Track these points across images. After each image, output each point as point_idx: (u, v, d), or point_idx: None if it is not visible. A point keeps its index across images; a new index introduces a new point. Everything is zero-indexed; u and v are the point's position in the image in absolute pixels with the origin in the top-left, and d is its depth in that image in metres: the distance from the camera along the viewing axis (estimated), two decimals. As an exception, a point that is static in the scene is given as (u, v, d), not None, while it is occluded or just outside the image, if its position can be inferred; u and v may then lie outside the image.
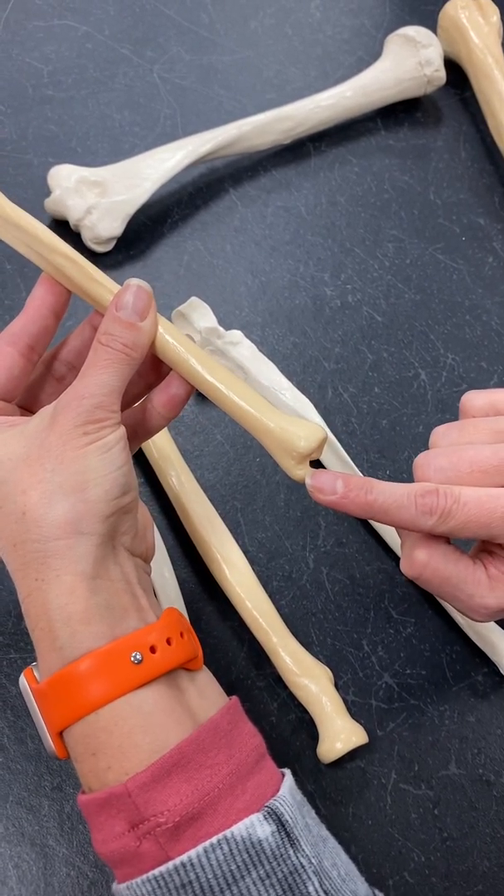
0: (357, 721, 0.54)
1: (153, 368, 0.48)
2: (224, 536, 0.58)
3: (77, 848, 0.50)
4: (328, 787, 0.53)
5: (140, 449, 0.62)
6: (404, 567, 0.45)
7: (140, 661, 0.39)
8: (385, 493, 0.43)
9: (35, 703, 0.41)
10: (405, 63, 0.79)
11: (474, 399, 0.46)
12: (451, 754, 0.55)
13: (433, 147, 0.81)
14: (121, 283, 0.45)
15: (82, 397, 0.41)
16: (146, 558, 0.46)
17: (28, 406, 0.49)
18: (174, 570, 0.58)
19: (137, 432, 0.48)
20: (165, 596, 0.56)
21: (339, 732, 0.52)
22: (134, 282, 0.44)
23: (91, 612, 0.39)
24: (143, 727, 0.38)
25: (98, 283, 0.46)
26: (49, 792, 0.52)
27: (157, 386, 0.47)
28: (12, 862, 0.50)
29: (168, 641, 0.41)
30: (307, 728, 0.55)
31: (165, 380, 0.47)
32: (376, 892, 0.41)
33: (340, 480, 0.43)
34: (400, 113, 0.82)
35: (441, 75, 0.80)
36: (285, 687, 0.55)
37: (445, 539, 0.45)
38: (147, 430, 0.48)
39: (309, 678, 0.54)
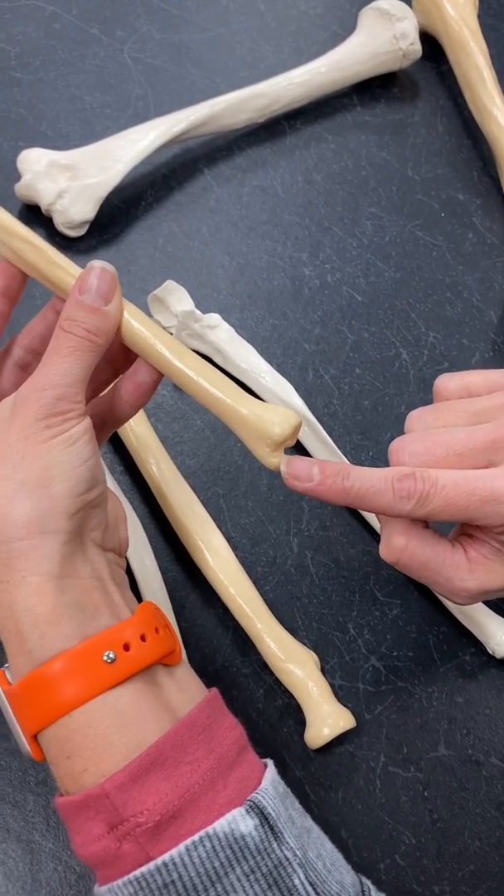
0: (344, 705, 0.54)
1: (121, 354, 0.46)
2: (206, 523, 0.57)
3: (63, 842, 0.50)
4: (317, 772, 0.53)
5: (119, 437, 0.61)
6: (383, 552, 0.45)
7: (113, 660, 0.38)
8: (362, 479, 0.42)
9: (8, 706, 0.40)
10: (380, 37, 0.77)
11: (448, 382, 0.46)
12: (440, 735, 0.54)
13: (410, 122, 0.79)
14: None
15: (43, 388, 0.40)
16: (119, 552, 0.45)
17: None
18: (156, 559, 0.57)
19: (106, 421, 0.46)
20: (148, 586, 0.56)
21: (327, 717, 0.52)
22: (97, 264, 0.43)
23: (60, 613, 0.39)
24: (119, 727, 0.38)
25: (59, 266, 0.44)
26: (34, 787, 0.51)
27: (125, 372, 0.46)
28: (-1, 858, 0.50)
29: (143, 638, 0.40)
30: (294, 714, 0.54)
31: (133, 366, 0.46)
32: (363, 879, 0.41)
33: (316, 467, 0.43)
34: (376, 88, 0.81)
35: (416, 48, 0.79)
36: (271, 673, 0.55)
37: (424, 523, 0.44)
38: (116, 420, 0.47)
39: (295, 663, 0.54)
